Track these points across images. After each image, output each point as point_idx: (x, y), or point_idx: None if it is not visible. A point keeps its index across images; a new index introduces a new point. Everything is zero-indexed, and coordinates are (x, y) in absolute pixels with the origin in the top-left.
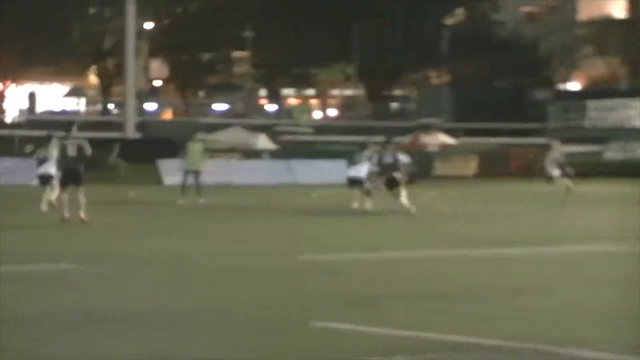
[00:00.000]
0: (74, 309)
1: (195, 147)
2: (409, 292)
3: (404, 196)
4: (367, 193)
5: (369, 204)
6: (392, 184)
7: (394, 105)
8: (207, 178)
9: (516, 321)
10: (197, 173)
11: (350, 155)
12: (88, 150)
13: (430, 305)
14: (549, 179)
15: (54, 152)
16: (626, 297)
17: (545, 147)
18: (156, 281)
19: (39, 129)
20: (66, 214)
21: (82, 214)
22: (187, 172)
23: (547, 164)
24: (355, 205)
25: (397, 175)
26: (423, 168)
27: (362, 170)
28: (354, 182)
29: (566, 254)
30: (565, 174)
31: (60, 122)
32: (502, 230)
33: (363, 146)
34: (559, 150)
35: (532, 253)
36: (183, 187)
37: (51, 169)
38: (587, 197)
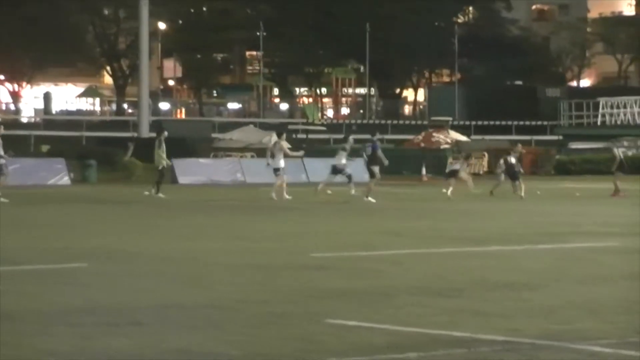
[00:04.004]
0: (78, 305)
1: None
2: (415, 288)
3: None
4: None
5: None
6: None
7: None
8: (221, 176)
9: (520, 317)
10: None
11: None
12: None
13: (435, 301)
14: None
15: None
16: (621, 292)
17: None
18: (166, 278)
19: (55, 129)
20: None
21: None
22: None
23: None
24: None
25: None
26: (436, 165)
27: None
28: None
29: (564, 250)
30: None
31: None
32: (499, 227)
33: None
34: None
35: (527, 249)
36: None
37: None
38: (597, 194)
